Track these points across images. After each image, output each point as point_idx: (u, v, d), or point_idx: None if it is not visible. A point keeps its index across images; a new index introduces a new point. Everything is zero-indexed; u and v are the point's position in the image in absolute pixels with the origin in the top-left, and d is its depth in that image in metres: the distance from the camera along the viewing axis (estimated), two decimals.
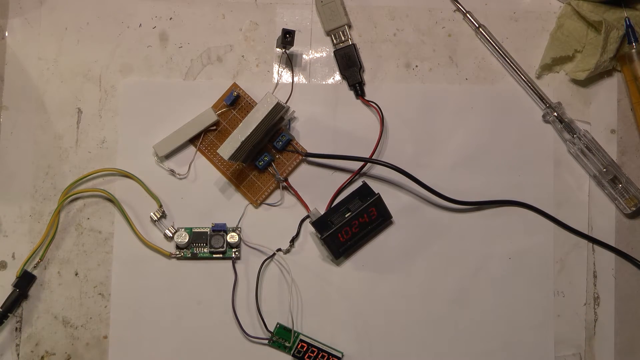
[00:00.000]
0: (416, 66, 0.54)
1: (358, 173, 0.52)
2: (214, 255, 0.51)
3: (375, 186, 0.52)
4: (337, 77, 0.53)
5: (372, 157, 0.52)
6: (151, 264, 0.51)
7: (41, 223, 0.51)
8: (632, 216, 0.53)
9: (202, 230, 0.51)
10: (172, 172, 0.52)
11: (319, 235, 0.50)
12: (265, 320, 0.50)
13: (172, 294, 0.51)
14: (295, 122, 0.53)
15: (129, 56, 0.53)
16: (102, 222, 0.51)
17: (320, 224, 0.50)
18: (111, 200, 0.51)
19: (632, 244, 0.53)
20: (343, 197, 0.51)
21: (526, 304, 0.52)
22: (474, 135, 0.53)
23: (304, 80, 0.53)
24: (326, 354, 0.50)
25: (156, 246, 0.51)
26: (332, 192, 0.52)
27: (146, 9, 0.53)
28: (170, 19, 0.53)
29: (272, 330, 0.50)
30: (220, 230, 0.51)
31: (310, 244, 0.52)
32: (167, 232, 0.51)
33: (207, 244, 0.51)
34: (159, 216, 0.51)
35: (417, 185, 0.51)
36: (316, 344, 0.50)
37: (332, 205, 0.51)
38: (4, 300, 0.49)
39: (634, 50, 0.52)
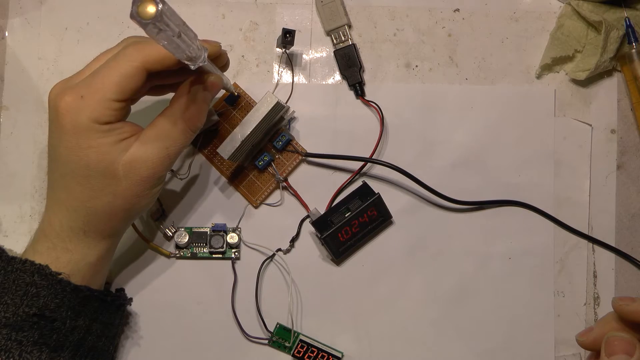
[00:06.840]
0: (416, 66, 0.54)
1: (358, 173, 0.52)
2: (213, 256, 0.51)
3: (375, 186, 0.52)
4: (337, 77, 0.53)
5: (372, 157, 0.52)
6: (151, 263, 0.51)
7: None
8: None
9: (202, 230, 0.51)
10: (172, 172, 0.52)
11: (319, 235, 0.50)
12: (265, 320, 0.50)
13: (172, 294, 0.51)
14: (295, 122, 0.53)
15: None
16: None
17: (320, 224, 0.50)
18: None
19: (632, 244, 0.53)
20: (343, 197, 0.51)
21: (526, 304, 0.52)
22: (474, 135, 0.53)
23: (304, 80, 0.53)
24: (326, 354, 0.50)
25: (156, 246, 0.51)
26: (332, 192, 0.52)
27: None
28: None
29: (272, 330, 0.50)
30: (220, 230, 0.51)
31: (310, 244, 0.52)
32: (167, 232, 0.51)
33: (207, 244, 0.51)
34: (158, 216, 0.51)
35: (417, 185, 0.51)
36: (316, 344, 0.50)
37: (332, 205, 0.51)
38: None
39: (634, 50, 0.52)
